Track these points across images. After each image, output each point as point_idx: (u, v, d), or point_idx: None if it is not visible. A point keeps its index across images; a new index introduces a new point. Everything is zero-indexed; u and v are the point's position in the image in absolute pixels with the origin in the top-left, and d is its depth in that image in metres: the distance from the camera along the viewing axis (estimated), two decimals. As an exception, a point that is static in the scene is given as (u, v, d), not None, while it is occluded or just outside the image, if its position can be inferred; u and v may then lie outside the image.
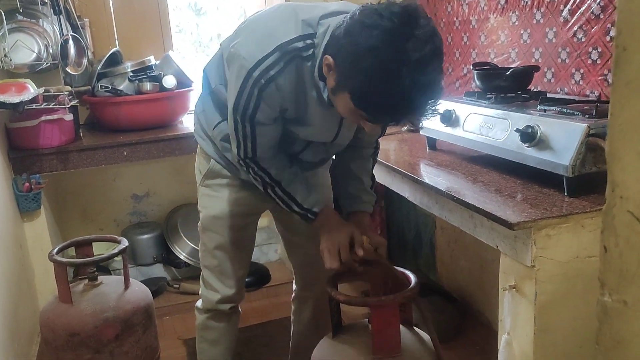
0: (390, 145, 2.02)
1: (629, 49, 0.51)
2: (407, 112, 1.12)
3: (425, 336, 1.42)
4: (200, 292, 1.72)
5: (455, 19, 2.32)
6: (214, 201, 1.59)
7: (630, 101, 0.51)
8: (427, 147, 1.87)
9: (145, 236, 2.93)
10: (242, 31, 1.30)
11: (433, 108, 1.12)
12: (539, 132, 1.37)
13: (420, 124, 1.29)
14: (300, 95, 1.26)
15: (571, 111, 1.39)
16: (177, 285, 2.81)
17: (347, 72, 1.10)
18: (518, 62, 1.96)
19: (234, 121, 1.30)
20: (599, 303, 0.61)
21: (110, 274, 2.72)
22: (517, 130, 1.41)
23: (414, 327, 1.45)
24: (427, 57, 1.04)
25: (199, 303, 1.74)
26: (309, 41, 1.20)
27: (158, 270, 2.96)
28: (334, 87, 1.15)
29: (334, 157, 1.58)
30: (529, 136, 1.38)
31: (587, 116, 1.33)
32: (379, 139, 1.55)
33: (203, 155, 1.60)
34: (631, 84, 0.51)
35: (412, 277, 1.40)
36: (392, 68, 1.03)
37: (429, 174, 1.61)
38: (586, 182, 1.29)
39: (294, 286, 1.84)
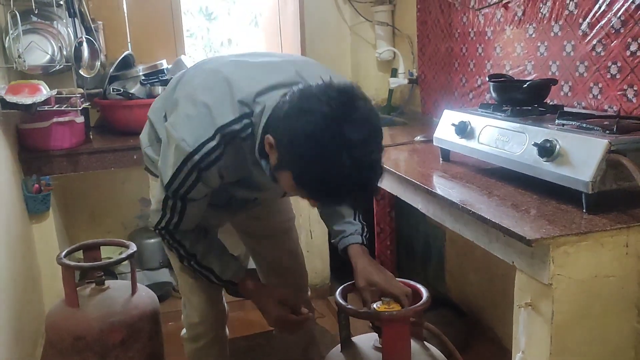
0: (402, 156, 1.99)
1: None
2: (349, 195, 1.11)
3: (436, 351, 1.40)
4: (182, 320, 1.70)
5: (470, 30, 2.30)
6: None
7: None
8: (441, 159, 1.85)
9: (152, 240, 2.92)
10: (178, 106, 1.27)
11: (374, 187, 1.12)
12: (558, 146, 1.34)
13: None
14: (242, 170, 1.28)
15: (591, 126, 1.36)
16: (183, 291, 2.79)
17: (288, 154, 1.10)
18: (534, 75, 1.94)
19: (165, 197, 1.29)
20: (635, 331, 0.58)
21: (117, 278, 2.70)
22: (535, 144, 1.38)
23: (424, 342, 1.42)
24: (365, 139, 1.04)
25: (183, 332, 1.71)
26: (246, 121, 1.20)
27: (164, 275, 2.95)
28: (276, 165, 1.14)
29: None
30: (547, 151, 1.35)
31: (607, 132, 1.30)
32: None
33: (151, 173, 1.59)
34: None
35: (424, 291, 1.37)
36: (330, 153, 1.03)
37: (443, 186, 1.59)
38: (606, 200, 1.26)
39: None
